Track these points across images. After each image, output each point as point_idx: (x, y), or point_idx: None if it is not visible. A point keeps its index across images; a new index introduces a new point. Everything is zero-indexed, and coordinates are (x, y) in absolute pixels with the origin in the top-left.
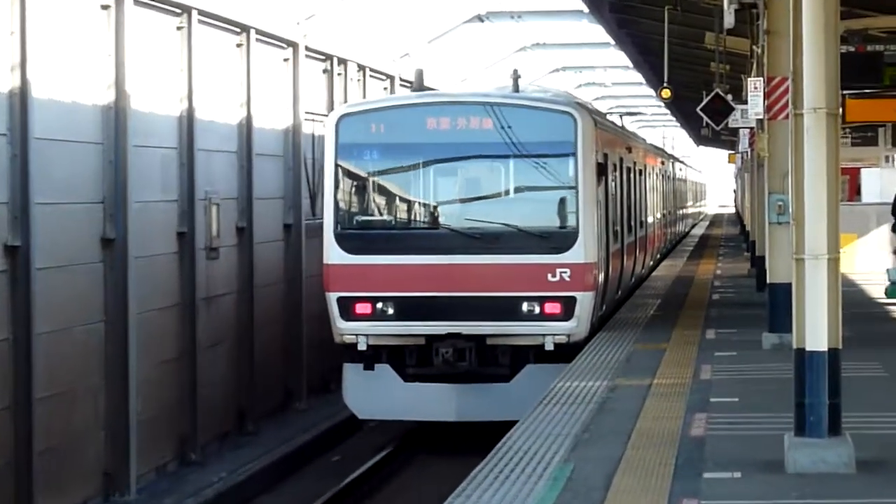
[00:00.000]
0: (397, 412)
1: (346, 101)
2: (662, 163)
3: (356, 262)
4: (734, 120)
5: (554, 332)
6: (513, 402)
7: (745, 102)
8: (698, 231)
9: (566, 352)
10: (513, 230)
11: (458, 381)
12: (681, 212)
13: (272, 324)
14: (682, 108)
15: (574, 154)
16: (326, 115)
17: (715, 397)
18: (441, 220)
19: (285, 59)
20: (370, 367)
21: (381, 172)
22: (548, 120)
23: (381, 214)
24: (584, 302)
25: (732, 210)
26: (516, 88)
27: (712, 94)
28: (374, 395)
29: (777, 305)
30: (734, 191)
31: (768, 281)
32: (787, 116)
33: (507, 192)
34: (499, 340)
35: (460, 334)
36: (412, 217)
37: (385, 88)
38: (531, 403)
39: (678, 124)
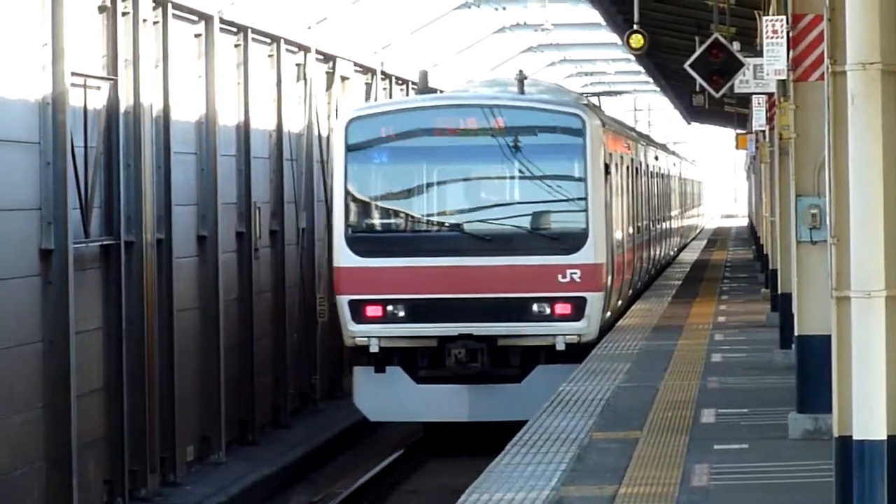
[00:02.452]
0: (409, 414)
1: (125, 54)
2: (633, 150)
3: (367, 265)
4: (743, 83)
5: (565, 332)
6: (524, 402)
7: (761, 54)
8: (690, 255)
9: (577, 352)
10: (523, 231)
11: (469, 382)
12: (662, 226)
13: None
14: (663, 65)
15: (583, 155)
16: (106, 78)
17: None
18: (451, 222)
19: None
20: (381, 370)
21: (391, 175)
22: (556, 121)
23: (391, 217)
24: (594, 302)
25: (743, 222)
26: (522, 89)
27: (709, 41)
28: (386, 397)
29: (810, 370)
30: (736, 199)
31: (797, 332)
32: (822, 76)
33: (516, 194)
34: (510, 341)
35: (472, 335)
36: (422, 219)
37: (198, 36)
38: (541, 403)
39: (657, 89)
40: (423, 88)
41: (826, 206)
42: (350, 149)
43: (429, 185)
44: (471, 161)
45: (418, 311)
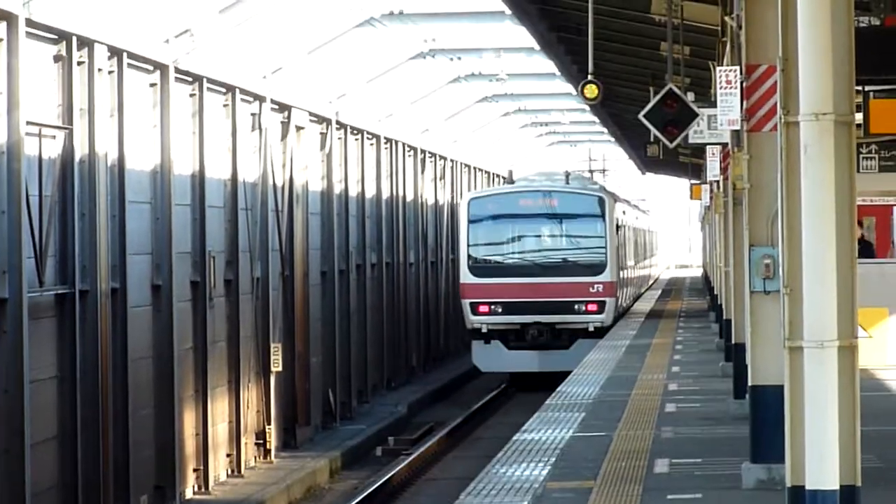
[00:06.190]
0: (504, 367)
1: (83, 103)
2: (626, 213)
3: (480, 282)
4: (697, 133)
5: (593, 321)
6: (570, 360)
7: (715, 105)
8: (643, 306)
9: (601, 332)
10: (569, 263)
11: (539, 349)
12: (636, 266)
13: None
14: (617, 115)
15: (603, 219)
16: (62, 127)
17: None
18: (528, 258)
19: None
20: (488, 342)
21: (493, 230)
22: (588, 201)
23: (493, 254)
24: (610, 304)
25: (698, 272)
26: (567, 181)
27: (663, 91)
28: (491, 357)
29: (763, 420)
30: (691, 248)
31: (750, 382)
32: (776, 126)
33: (564, 242)
34: (562, 326)
35: (541, 322)
36: (511, 255)
37: (153, 85)
38: (580, 361)
39: (612, 139)
40: (510, 180)
41: (779, 256)
42: (470, 215)
43: (514, 236)
44: (539, 223)
45: (509, 308)
